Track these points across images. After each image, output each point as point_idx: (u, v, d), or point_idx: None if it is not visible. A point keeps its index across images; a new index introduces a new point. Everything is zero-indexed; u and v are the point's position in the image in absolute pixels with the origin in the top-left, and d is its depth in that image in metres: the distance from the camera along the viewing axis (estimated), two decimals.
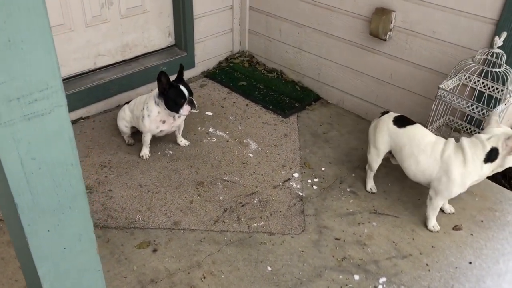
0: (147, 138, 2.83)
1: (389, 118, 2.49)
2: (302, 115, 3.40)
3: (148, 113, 2.72)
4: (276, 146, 3.05)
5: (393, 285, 2.17)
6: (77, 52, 3.09)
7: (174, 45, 3.63)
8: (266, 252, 2.29)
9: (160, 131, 2.81)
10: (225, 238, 2.36)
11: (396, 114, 2.50)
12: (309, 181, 2.78)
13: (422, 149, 2.33)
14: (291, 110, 3.42)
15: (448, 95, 2.58)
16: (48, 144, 0.76)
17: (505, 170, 2.31)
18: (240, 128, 3.21)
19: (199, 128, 3.17)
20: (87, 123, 3.14)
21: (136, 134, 2.99)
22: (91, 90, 3.12)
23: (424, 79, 2.95)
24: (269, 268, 2.21)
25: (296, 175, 2.81)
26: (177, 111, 2.65)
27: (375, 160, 2.57)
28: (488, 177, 2.49)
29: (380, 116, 2.56)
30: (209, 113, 3.34)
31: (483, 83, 2.62)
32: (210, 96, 3.55)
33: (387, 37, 2.97)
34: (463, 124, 2.80)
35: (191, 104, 2.65)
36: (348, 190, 2.73)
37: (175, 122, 2.81)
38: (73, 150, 0.80)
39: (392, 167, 2.74)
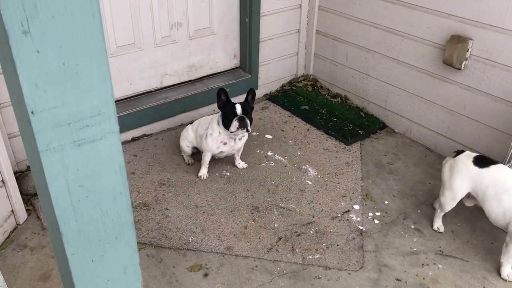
0: (206, 158, 2.83)
1: (467, 158, 2.28)
2: (366, 143, 3.26)
3: (211, 131, 2.73)
4: (337, 174, 2.93)
5: None
6: (145, 71, 3.18)
7: (239, 67, 3.65)
8: (321, 287, 2.17)
9: (220, 152, 2.80)
10: (278, 269, 2.26)
11: (475, 154, 2.31)
12: (370, 214, 2.63)
13: (506, 189, 2.13)
14: (354, 137, 3.29)
15: None
16: (97, 172, 0.73)
17: None
18: (299, 153, 3.12)
19: (258, 151, 3.13)
20: (150, 140, 3.20)
21: (196, 154, 3.00)
22: (156, 109, 3.19)
23: (503, 112, 2.72)
24: None
25: (356, 207, 2.67)
26: (227, 128, 2.65)
27: (450, 203, 2.37)
28: None
29: (455, 156, 2.36)
30: (269, 136, 3.29)
31: None
32: (270, 119, 3.51)
33: (462, 66, 2.79)
34: None
35: (241, 122, 2.62)
36: (413, 227, 2.55)
37: (236, 145, 2.79)
38: (123, 178, 0.77)
39: (462, 206, 2.53)
